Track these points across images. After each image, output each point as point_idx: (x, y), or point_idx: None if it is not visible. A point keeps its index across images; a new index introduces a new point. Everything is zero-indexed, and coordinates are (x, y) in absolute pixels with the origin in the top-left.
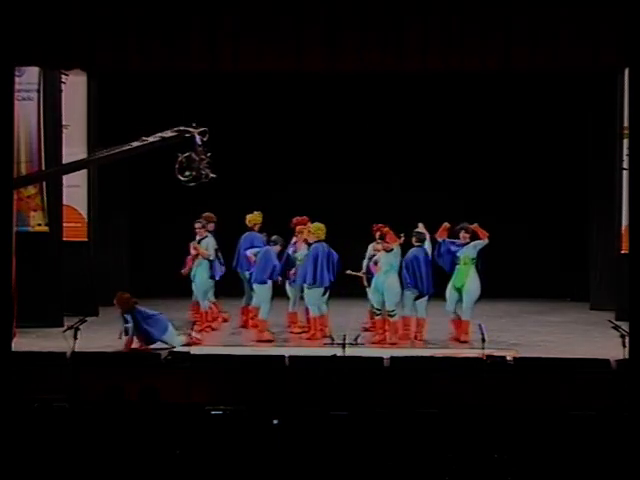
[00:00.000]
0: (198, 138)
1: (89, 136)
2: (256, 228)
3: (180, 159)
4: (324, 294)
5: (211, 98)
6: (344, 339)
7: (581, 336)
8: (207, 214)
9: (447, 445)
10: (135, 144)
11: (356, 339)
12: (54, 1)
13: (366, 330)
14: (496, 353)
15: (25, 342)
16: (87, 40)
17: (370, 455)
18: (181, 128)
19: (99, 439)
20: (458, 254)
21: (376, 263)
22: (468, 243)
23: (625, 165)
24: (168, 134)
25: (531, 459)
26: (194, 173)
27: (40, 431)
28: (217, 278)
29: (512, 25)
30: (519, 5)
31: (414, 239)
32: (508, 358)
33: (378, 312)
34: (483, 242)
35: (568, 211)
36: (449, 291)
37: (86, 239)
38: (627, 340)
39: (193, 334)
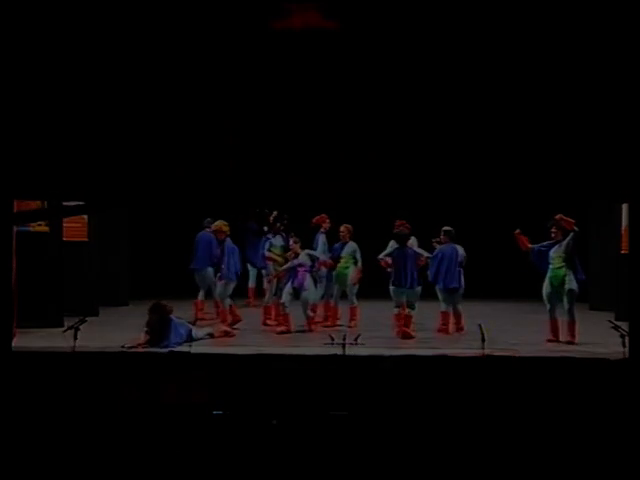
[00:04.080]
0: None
1: None
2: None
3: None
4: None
5: None
6: (344, 339)
7: (581, 336)
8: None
9: (447, 445)
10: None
11: (356, 339)
12: (52, 139)
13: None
14: (496, 353)
15: (25, 342)
16: (86, 176)
17: (370, 455)
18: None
19: (99, 439)
20: (550, 253)
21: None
22: (560, 241)
23: None
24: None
25: (531, 458)
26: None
27: (40, 431)
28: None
29: None
30: None
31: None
32: None
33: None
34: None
35: (568, 211)
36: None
37: (86, 239)
38: (627, 340)
39: (222, 327)
